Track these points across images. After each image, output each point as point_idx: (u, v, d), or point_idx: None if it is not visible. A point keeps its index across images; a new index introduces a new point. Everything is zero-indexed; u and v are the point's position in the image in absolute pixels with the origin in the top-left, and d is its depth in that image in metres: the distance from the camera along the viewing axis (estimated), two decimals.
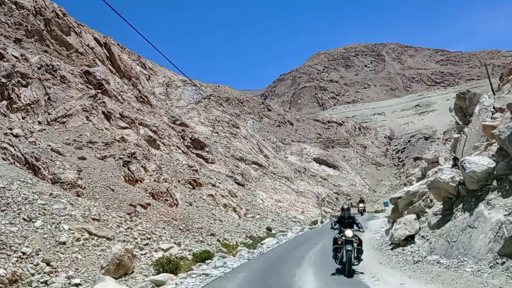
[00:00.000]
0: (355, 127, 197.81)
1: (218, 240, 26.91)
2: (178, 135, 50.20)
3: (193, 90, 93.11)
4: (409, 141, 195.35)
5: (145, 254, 20.19)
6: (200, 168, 43.74)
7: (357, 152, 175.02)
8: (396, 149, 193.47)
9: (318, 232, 27.70)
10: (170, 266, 17.53)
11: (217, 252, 23.52)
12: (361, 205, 39.72)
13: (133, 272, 17.63)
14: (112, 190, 26.94)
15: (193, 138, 53.47)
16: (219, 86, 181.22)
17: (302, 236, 26.60)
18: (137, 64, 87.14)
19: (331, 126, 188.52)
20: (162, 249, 21.07)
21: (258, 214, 37.93)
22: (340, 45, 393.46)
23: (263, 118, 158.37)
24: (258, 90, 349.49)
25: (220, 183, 41.24)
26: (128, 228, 22.43)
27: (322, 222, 34.72)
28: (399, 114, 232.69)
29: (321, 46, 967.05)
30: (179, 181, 35.18)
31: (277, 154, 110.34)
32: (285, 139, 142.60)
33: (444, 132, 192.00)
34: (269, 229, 34.59)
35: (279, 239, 25.24)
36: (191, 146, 51.21)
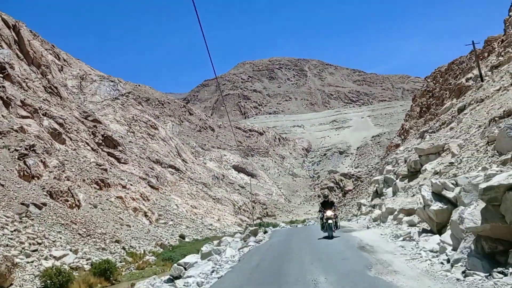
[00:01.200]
0: (275, 137, 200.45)
1: (124, 248, 24.25)
2: (89, 131, 46.20)
3: (111, 86, 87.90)
4: (325, 154, 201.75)
5: (32, 262, 17.18)
6: (111, 168, 40.37)
7: (275, 162, 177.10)
8: (313, 161, 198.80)
9: (278, 249, 15.81)
10: (60, 278, 14.87)
11: (120, 262, 20.98)
12: (328, 213, 16.20)
13: (11, 284, 14.68)
14: (2, 185, 23.27)
15: (105, 135, 49.61)
16: (139, 85, 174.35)
17: (255, 257, 14.33)
18: (50, 53, 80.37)
19: (252, 134, 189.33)
20: (54, 257, 18.15)
21: (172, 220, 35.45)
22: (265, 57, 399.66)
23: (183, 122, 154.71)
24: (180, 94, 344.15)
25: (132, 184, 38.20)
26: (15, 230, 19.18)
27: (265, 232, 23.89)
28: (317, 128, 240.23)
29: (246, 55, 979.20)
30: (84, 180, 31.78)
31: (196, 159, 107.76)
32: (205, 145, 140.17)
33: (358, 148, 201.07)
34: (182, 236, 32.38)
35: (215, 262, 13.99)
36: (103, 143, 47.40)
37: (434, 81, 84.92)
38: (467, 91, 30.30)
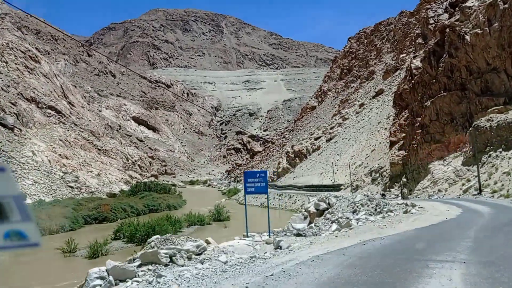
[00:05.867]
0: (183, 92, 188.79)
1: None
2: None
3: None
4: (234, 114, 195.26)
5: None
6: None
7: (181, 117, 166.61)
8: (221, 121, 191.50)
9: None
10: None
11: None
12: None
13: None
14: None
15: None
16: (31, 15, 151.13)
17: None
18: None
19: (159, 86, 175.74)
20: None
21: (13, 172, 25.38)
22: (181, 6, 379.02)
23: (79, 63, 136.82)
24: (84, 37, 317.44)
25: None
26: None
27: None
28: (228, 87, 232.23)
29: (159, 1, 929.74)
30: None
31: (89, 104, 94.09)
32: (102, 91, 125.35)
33: (268, 111, 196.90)
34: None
35: None
36: None
37: (358, 42, 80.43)
38: None
